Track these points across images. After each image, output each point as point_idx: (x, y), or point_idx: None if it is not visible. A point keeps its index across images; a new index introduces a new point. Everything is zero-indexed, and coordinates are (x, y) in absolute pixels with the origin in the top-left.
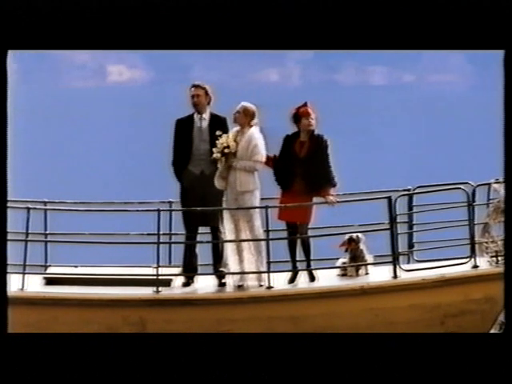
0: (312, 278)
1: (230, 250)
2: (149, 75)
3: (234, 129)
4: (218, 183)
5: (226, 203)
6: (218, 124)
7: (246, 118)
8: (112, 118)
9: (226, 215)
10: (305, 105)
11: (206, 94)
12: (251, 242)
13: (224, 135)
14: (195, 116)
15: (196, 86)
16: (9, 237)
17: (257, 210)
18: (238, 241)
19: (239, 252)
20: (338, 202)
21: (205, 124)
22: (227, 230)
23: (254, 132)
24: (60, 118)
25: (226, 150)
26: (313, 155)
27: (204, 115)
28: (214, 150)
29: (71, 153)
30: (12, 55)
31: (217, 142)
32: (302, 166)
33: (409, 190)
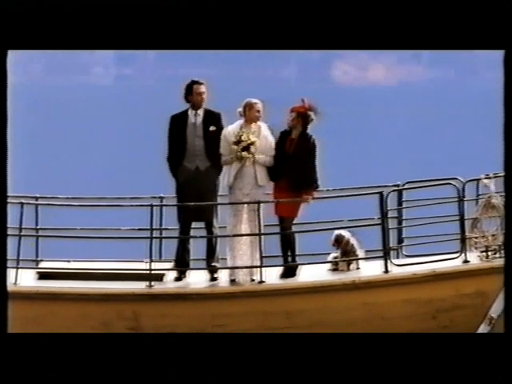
0: (291, 273)
1: (228, 245)
2: None
3: (236, 123)
4: (229, 180)
5: (228, 198)
6: (213, 119)
7: (252, 113)
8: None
9: (230, 210)
10: (302, 101)
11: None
12: (251, 237)
13: (243, 132)
14: (189, 112)
15: (201, 83)
16: None
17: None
18: (230, 236)
19: (237, 246)
20: (313, 198)
21: (199, 120)
22: (230, 224)
23: (266, 129)
24: None
25: (252, 148)
26: (298, 153)
27: (199, 111)
28: (237, 147)
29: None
30: None
31: (233, 139)
32: (288, 163)
33: (398, 185)
